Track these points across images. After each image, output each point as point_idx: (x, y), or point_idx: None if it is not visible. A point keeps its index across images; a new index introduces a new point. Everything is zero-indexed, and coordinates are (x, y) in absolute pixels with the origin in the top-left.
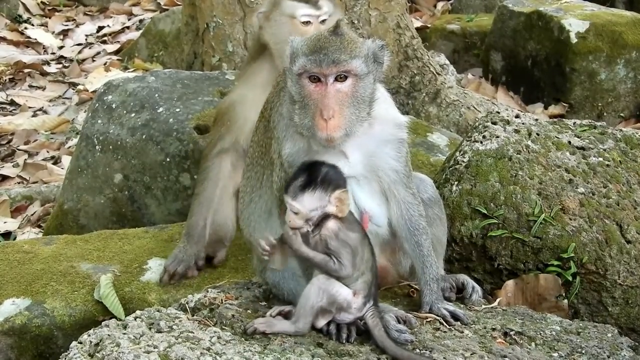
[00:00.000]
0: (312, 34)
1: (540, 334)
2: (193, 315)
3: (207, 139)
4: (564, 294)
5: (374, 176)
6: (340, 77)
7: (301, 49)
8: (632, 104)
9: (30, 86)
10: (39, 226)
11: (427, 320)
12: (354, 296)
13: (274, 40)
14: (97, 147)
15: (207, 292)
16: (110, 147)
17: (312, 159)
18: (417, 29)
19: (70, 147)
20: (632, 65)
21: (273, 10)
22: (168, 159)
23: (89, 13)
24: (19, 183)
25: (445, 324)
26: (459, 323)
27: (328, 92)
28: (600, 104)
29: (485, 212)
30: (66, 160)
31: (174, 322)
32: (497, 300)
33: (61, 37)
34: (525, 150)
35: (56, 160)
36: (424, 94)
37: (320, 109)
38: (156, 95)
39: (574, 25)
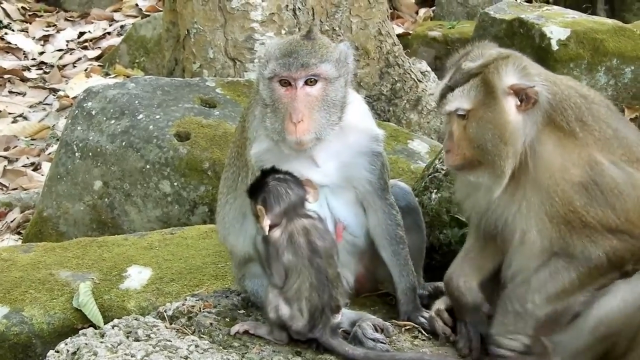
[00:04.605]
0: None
1: None
2: (171, 324)
3: None
4: None
5: (349, 186)
6: (310, 81)
7: (273, 53)
8: None
9: (11, 92)
10: (19, 233)
11: (406, 328)
12: (293, 318)
13: None
14: (76, 154)
15: (186, 300)
16: (90, 154)
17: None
18: (399, 35)
19: (50, 153)
20: (612, 73)
21: None
22: (148, 166)
23: (70, 19)
24: None
25: (423, 332)
26: None
27: (297, 96)
28: None
29: (464, 220)
30: (46, 167)
31: (151, 330)
32: None
33: (42, 42)
34: None
35: (36, 167)
36: (405, 101)
37: (290, 112)
38: (136, 102)
39: (555, 33)
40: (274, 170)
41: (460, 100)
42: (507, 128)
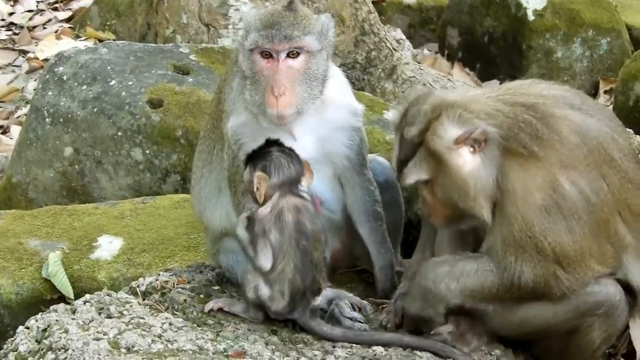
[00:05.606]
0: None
1: None
2: (144, 300)
3: None
4: None
5: (327, 161)
6: (293, 54)
7: (254, 24)
8: (587, 83)
9: None
10: None
11: (383, 306)
12: (273, 299)
13: None
14: (47, 119)
15: (159, 275)
16: (61, 119)
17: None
18: (374, 2)
19: (19, 116)
20: (588, 44)
21: None
22: (120, 133)
23: None
24: None
25: None
26: None
27: (279, 69)
28: (556, 83)
29: None
30: (15, 130)
31: (124, 307)
32: None
33: (11, 3)
34: None
35: (5, 130)
36: (380, 70)
37: (271, 85)
38: (108, 67)
39: (532, 3)
40: (278, 143)
41: (417, 173)
42: (468, 184)
